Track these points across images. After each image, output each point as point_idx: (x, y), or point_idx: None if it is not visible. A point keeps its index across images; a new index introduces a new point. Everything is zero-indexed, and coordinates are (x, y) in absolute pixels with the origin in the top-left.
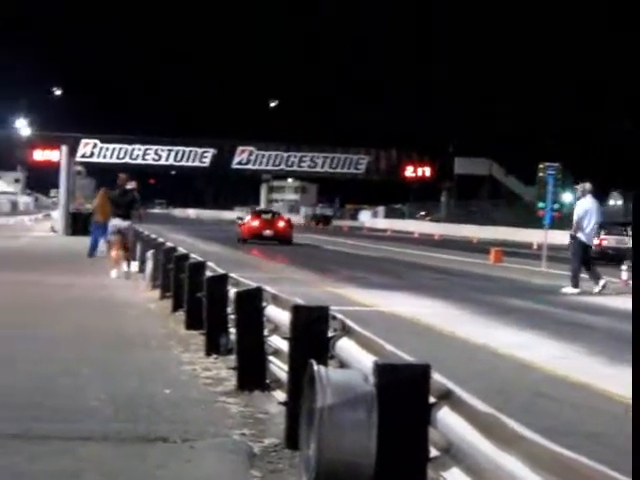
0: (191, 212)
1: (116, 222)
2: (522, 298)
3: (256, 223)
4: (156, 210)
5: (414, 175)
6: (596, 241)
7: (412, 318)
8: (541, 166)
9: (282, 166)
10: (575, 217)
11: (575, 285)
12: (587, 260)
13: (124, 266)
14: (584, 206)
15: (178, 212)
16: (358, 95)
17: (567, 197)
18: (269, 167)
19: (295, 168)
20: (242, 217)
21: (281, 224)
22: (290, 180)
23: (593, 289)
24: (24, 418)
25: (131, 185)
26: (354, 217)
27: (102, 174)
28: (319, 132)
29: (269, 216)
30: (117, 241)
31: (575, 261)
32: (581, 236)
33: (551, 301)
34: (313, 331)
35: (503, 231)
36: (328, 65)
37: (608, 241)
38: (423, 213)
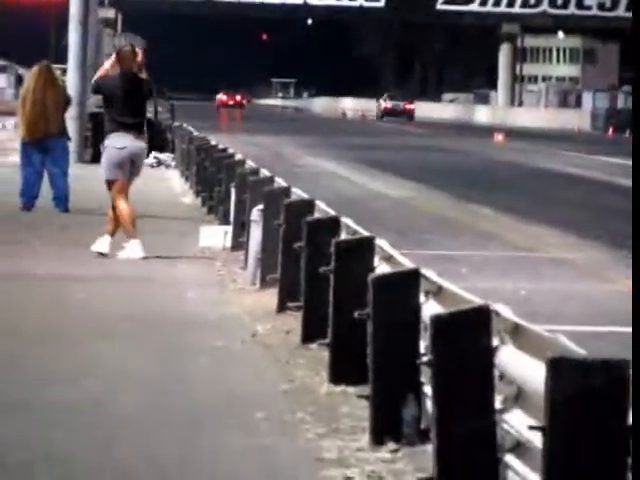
0: (348, 105)
1: (123, 141)
2: None
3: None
4: (269, 101)
5: None
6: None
7: None
8: None
9: (543, 5)
10: None
11: None
12: None
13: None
14: None
15: (321, 105)
16: None
17: None
18: (515, 8)
19: (572, 10)
20: None
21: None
22: (561, 35)
23: None
24: None
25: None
26: None
27: (153, 27)
28: None
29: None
30: (124, 182)
31: None
32: None
33: None
34: (599, 413)
35: None
36: None
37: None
38: None
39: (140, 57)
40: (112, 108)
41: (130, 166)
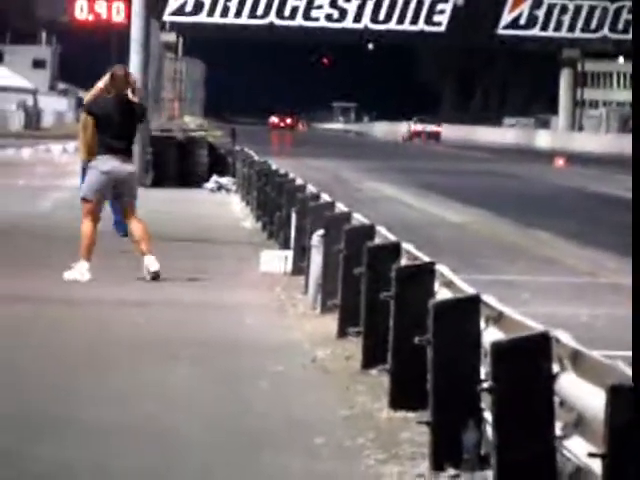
0: (405, 129)
1: (110, 164)
2: None
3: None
4: (330, 125)
5: None
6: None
7: None
8: None
9: (604, 30)
10: None
11: None
12: None
13: (148, 259)
14: None
15: (382, 129)
16: None
17: None
18: (576, 33)
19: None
20: None
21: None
22: (621, 60)
23: None
24: None
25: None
26: None
27: (213, 51)
28: None
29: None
30: (98, 203)
31: None
32: None
33: None
34: None
35: None
36: None
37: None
38: None
39: (133, 80)
40: (103, 131)
41: (122, 190)
